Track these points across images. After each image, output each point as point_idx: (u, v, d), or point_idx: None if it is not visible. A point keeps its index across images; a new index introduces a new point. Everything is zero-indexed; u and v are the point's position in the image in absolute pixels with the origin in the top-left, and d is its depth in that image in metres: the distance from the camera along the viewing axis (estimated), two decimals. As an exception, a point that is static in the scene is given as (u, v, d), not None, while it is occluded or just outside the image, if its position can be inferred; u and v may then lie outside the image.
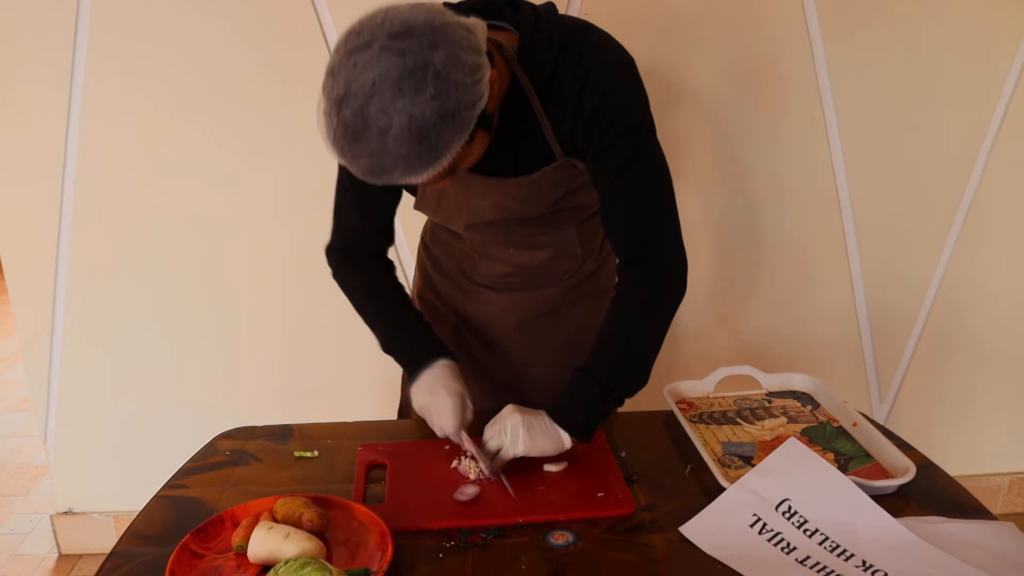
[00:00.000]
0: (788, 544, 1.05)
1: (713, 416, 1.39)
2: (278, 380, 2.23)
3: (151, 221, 2.09)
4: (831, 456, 1.25)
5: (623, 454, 1.29)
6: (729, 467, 1.23)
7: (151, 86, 1.98)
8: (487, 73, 0.99)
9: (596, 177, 1.20)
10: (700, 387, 1.47)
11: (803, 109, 2.08)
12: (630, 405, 1.41)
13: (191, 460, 1.31)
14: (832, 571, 1.00)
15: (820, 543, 1.05)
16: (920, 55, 2.05)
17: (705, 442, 1.30)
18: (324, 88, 0.96)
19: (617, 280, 1.25)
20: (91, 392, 2.22)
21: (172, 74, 1.97)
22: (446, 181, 1.10)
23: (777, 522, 1.08)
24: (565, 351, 1.42)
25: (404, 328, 1.34)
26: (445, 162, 0.98)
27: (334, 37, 1.74)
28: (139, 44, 1.95)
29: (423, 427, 1.35)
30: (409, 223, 1.90)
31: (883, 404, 2.38)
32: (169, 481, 1.25)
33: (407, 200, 1.35)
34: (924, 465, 1.22)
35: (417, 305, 1.54)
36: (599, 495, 1.17)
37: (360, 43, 0.93)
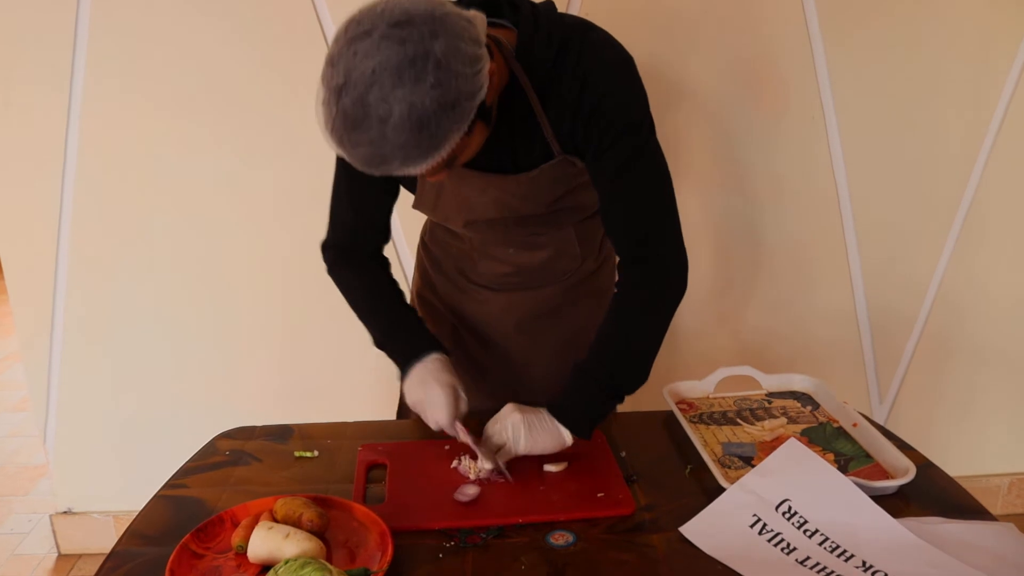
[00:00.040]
0: (788, 544, 1.05)
1: (713, 416, 1.39)
2: (278, 380, 2.23)
3: (151, 221, 2.09)
4: (831, 457, 1.25)
5: (623, 454, 1.29)
6: (729, 467, 1.23)
7: (151, 86, 1.98)
8: (487, 65, 0.99)
9: (596, 177, 1.20)
10: (700, 387, 1.47)
11: (803, 109, 2.08)
12: (630, 405, 1.41)
13: (191, 460, 1.31)
14: (832, 572, 1.00)
15: (820, 543, 1.05)
16: (920, 55, 2.05)
17: (705, 442, 1.30)
18: (323, 77, 0.96)
19: (618, 279, 1.25)
20: (91, 392, 2.22)
21: (172, 74, 1.97)
22: (443, 174, 1.10)
23: (777, 523, 1.08)
24: (564, 351, 1.42)
25: (397, 324, 1.34)
26: (444, 153, 0.98)
27: (334, 37, 1.74)
28: (139, 44, 1.95)
29: (423, 427, 1.35)
30: (409, 222, 1.90)
31: (883, 405, 2.38)
32: (169, 481, 1.25)
33: (406, 199, 1.35)
34: (924, 466, 1.22)
35: (416, 305, 1.55)
36: (599, 495, 1.17)
37: (360, 32, 0.93)
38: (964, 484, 1.21)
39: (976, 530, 1.07)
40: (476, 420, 1.26)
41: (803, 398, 1.45)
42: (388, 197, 1.34)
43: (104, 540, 2.32)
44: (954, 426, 2.41)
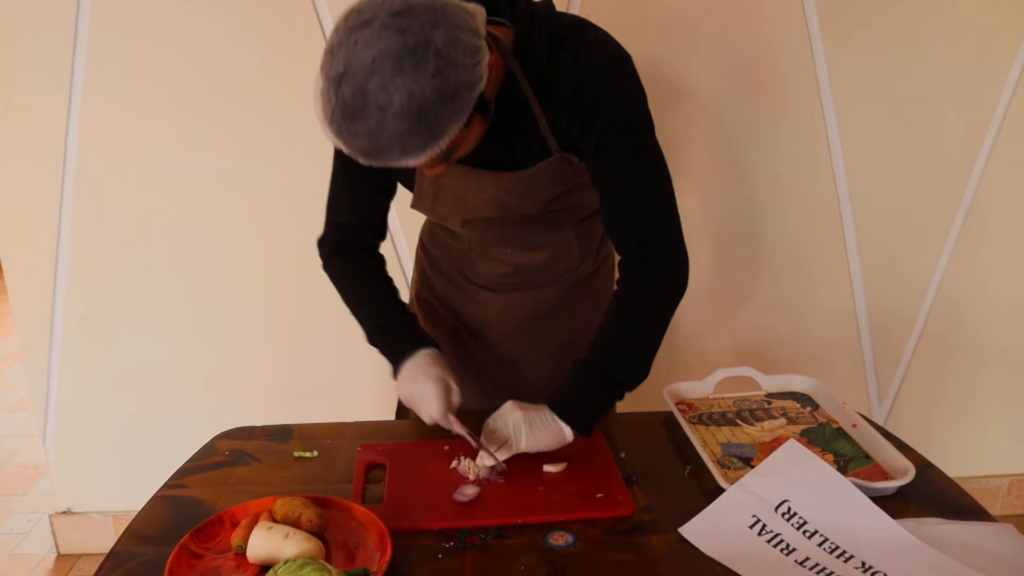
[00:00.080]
0: (787, 545, 1.05)
1: (712, 417, 1.39)
2: (278, 380, 2.23)
3: (151, 221, 2.09)
4: (830, 457, 1.25)
5: (623, 455, 1.29)
6: (728, 468, 1.23)
7: (151, 86, 1.98)
8: (486, 57, 0.99)
9: (596, 176, 1.20)
10: (700, 388, 1.46)
11: (803, 109, 2.08)
12: (629, 406, 1.41)
13: (190, 460, 1.31)
14: (832, 572, 1.00)
15: (819, 544, 1.05)
16: (920, 55, 2.05)
17: (704, 443, 1.30)
18: (322, 68, 0.96)
19: (618, 277, 1.26)
20: (90, 392, 2.22)
21: (172, 74, 1.97)
22: (441, 168, 1.10)
23: (776, 523, 1.08)
24: (564, 352, 1.42)
25: (388, 321, 1.35)
26: (443, 144, 0.98)
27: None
28: (139, 44, 1.95)
29: (422, 427, 1.35)
30: (409, 222, 1.90)
31: (882, 405, 2.38)
32: (168, 481, 1.25)
33: (405, 198, 1.34)
34: (923, 466, 1.22)
35: (416, 306, 1.55)
36: (598, 496, 1.17)
37: (360, 21, 0.94)
38: (963, 485, 1.21)
39: (975, 531, 1.07)
40: (476, 420, 1.26)
41: (802, 399, 1.45)
42: (385, 196, 1.34)
43: (103, 540, 2.32)
44: (954, 426, 2.41)
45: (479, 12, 1.01)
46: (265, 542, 1.01)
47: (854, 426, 1.33)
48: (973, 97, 2.10)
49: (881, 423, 2.32)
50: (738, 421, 1.37)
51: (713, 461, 1.23)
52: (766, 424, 1.36)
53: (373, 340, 1.35)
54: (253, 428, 1.40)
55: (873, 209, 2.17)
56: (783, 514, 1.09)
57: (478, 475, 1.21)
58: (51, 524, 2.36)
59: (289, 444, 1.35)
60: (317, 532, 1.05)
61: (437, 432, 1.31)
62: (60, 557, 2.38)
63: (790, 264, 2.21)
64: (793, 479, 1.13)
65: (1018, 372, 2.35)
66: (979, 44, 2.05)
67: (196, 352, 2.20)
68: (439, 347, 1.32)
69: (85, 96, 1.98)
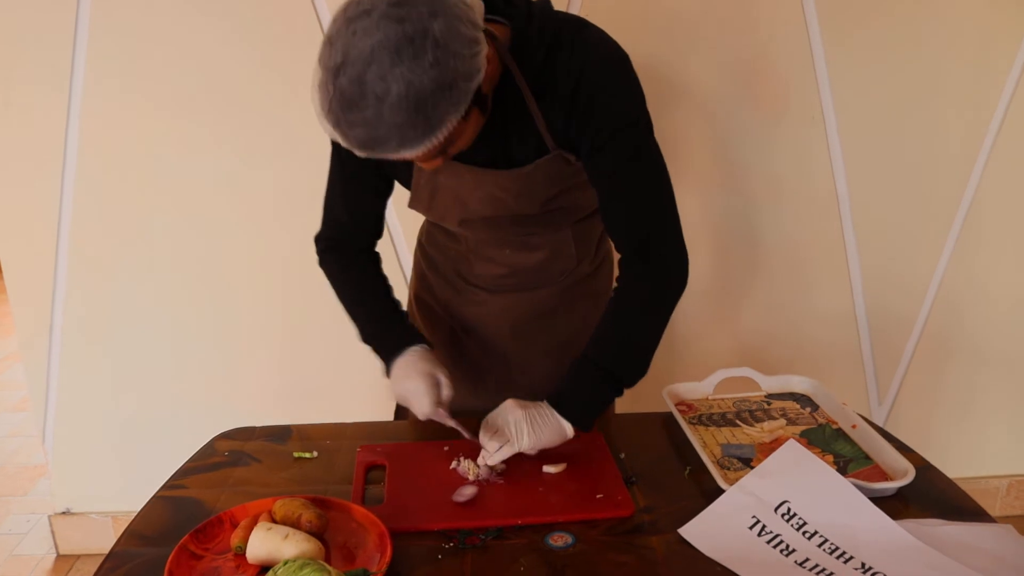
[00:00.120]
0: (787, 546, 1.05)
1: (712, 418, 1.39)
2: (278, 380, 2.23)
3: (151, 221, 2.09)
4: (830, 458, 1.25)
5: (622, 456, 1.29)
6: (728, 469, 1.23)
7: (151, 86, 1.98)
8: (484, 49, 0.99)
9: (594, 175, 1.21)
10: (699, 389, 1.46)
11: (803, 109, 2.08)
12: (629, 407, 1.41)
13: (190, 460, 1.31)
14: (831, 573, 1.00)
15: (819, 545, 1.05)
16: (920, 55, 2.05)
17: (704, 444, 1.30)
18: (320, 58, 0.96)
19: (618, 274, 1.26)
20: (90, 392, 2.22)
21: (172, 74, 1.97)
22: (438, 163, 1.10)
23: (776, 524, 1.08)
24: (562, 353, 1.42)
25: (380, 319, 1.36)
26: (440, 136, 0.98)
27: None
28: (139, 44, 1.95)
29: (421, 428, 1.35)
30: (409, 222, 1.90)
31: (882, 406, 2.38)
32: (168, 482, 1.25)
33: (405, 198, 1.34)
34: (923, 467, 1.22)
35: (414, 307, 1.55)
36: (598, 497, 1.16)
37: (359, 11, 0.94)
38: (963, 486, 1.21)
39: (975, 532, 1.07)
40: (476, 421, 1.26)
41: (802, 399, 1.45)
42: (381, 194, 1.35)
43: (103, 540, 2.32)
44: (953, 427, 2.41)
45: (477, 5, 1.01)
46: (265, 543, 1.01)
47: (854, 427, 1.33)
48: (973, 97, 2.10)
49: (881, 424, 2.32)
50: (738, 422, 1.37)
51: (713, 462, 1.23)
52: (766, 425, 1.36)
53: (366, 339, 1.36)
54: (253, 429, 1.40)
55: (873, 209, 2.17)
56: (783, 515, 1.09)
57: (478, 476, 1.21)
58: (50, 524, 2.36)
59: (289, 445, 1.35)
60: (317, 533, 1.05)
61: (437, 433, 1.31)
62: (59, 558, 2.38)
63: (790, 264, 2.21)
64: (793, 480, 1.13)
65: (1018, 373, 2.35)
66: (979, 44, 2.05)
67: (196, 352, 2.20)
68: (430, 344, 1.33)
69: (85, 96, 1.98)
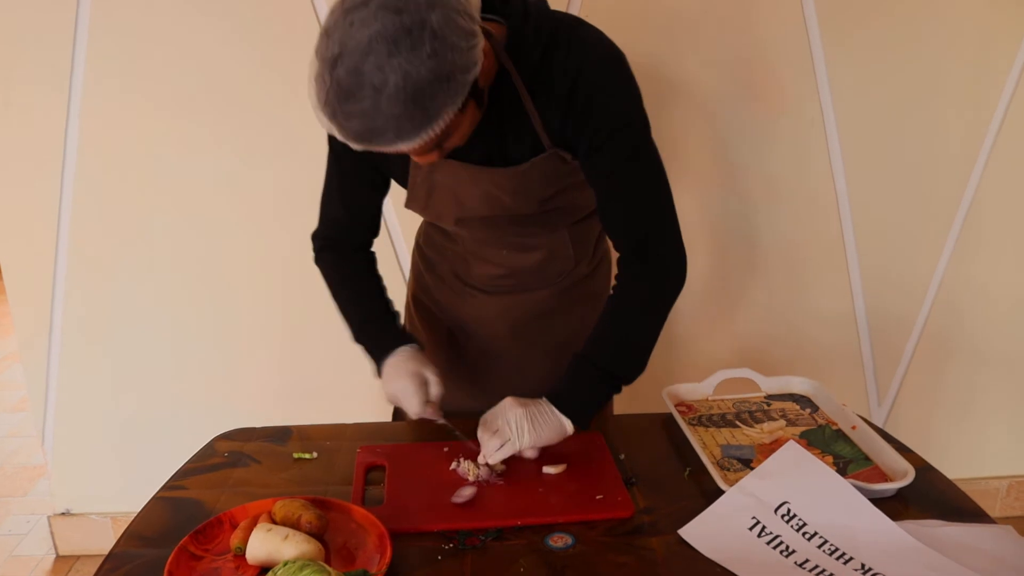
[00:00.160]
0: (787, 547, 1.05)
1: (712, 419, 1.39)
2: (278, 380, 2.23)
3: (151, 221, 2.09)
4: (830, 459, 1.25)
5: (622, 456, 1.29)
6: (728, 470, 1.23)
7: (151, 86, 1.98)
8: (481, 42, 0.99)
9: (592, 175, 1.21)
10: (699, 390, 1.46)
11: (802, 110, 2.08)
12: (629, 407, 1.41)
13: (190, 461, 1.31)
14: (831, 574, 1.00)
15: (819, 546, 1.05)
16: (920, 55, 2.05)
17: (704, 445, 1.30)
18: (317, 50, 0.96)
19: (617, 273, 1.26)
20: (90, 392, 2.22)
21: (172, 74, 1.97)
22: (434, 157, 1.09)
23: (776, 525, 1.08)
24: (560, 353, 1.42)
25: (372, 321, 1.36)
26: (437, 128, 0.98)
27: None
28: (139, 44, 1.95)
29: (421, 429, 1.35)
30: (408, 222, 1.90)
31: (882, 407, 2.38)
32: (168, 482, 1.25)
33: (403, 198, 1.34)
34: (923, 468, 1.22)
35: (412, 308, 1.55)
36: (598, 497, 1.16)
37: (357, 2, 0.94)
38: (963, 486, 1.21)
39: (975, 533, 1.07)
40: (474, 422, 1.26)
41: (802, 400, 1.45)
42: (378, 192, 1.35)
43: (102, 541, 2.32)
44: (953, 428, 2.41)
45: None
46: (264, 544, 1.01)
47: (853, 428, 1.33)
48: (973, 97, 2.10)
49: (880, 425, 2.32)
50: (737, 423, 1.37)
51: (713, 463, 1.23)
52: (766, 426, 1.36)
53: (358, 339, 1.37)
54: (252, 429, 1.40)
55: (872, 209, 2.17)
56: (783, 516, 1.09)
57: (478, 477, 1.21)
58: (50, 525, 2.36)
59: (288, 445, 1.34)
60: (316, 534, 1.05)
61: (436, 434, 1.31)
62: (59, 558, 2.38)
63: (789, 265, 2.21)
64: (793, 481, 1.13)
65: (1018, 373, 2.35)
66: (979, 44, 2.05)
67: (196, 352, 2.20)
68: (421, 344, 1.34)
69: (85, 96, 1.98)
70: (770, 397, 1.46)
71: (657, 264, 1.23)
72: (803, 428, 1.35)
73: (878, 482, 1.17)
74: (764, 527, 1.08)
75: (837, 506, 1.09)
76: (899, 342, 2.31)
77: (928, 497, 1.17)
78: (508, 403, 1.22)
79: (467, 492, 1.17)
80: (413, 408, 1.27)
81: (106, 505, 2.33)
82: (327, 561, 1.03)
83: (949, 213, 2.20)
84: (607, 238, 1.48)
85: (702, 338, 2.25)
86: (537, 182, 1.23)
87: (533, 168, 1.21)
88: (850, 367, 2.32)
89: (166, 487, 1.23)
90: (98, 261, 2.11)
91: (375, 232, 1.41)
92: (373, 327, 1.36)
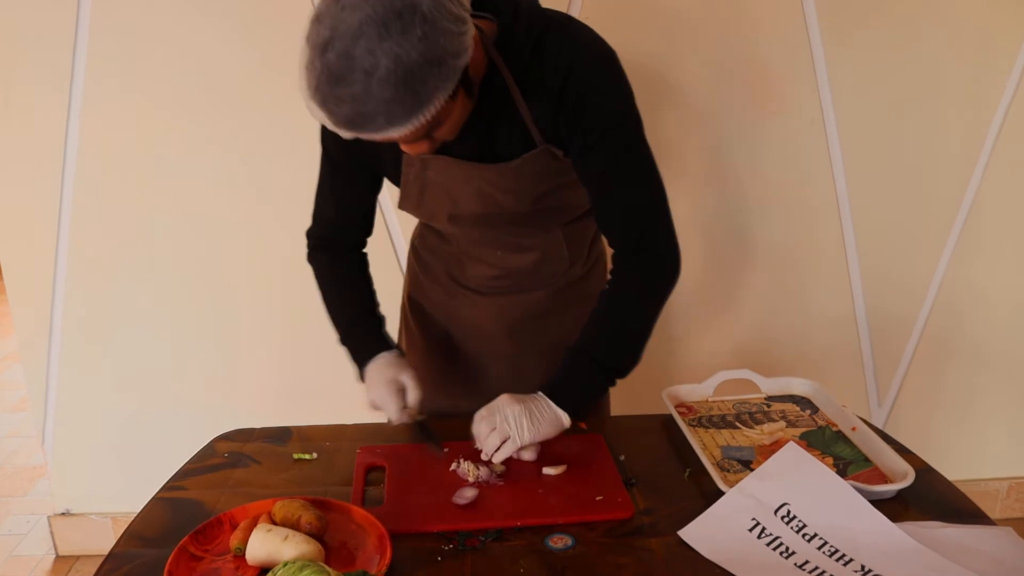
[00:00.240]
0: (787, 548, 1.05)
1: (712, 420, 1.38)
2: (278, 380, 2.23)
3: (151, 221, 2.09)
4: (830, 460, 1.25)
5: (622, 458, 1.29)
6: (728, 471, 1.23)
7: (151, 86, 1.98)
8: (471, 29, 0.99)
9: (585, 173, 1.21)
10: (699, 391, 1.46)
11: (802, 110, 2.08)
12: (629, 408, 1.41)
13: (190, 462, 1.31)
14: (831, 575, 1.00)
15: (819, 548, 1.05)
16: (920, 55, 2.04)
17: (704, 446, 1.30)
18: (308, 37, 0.96)
19: (612, 267, 1.27)
20: (90, 392, 2.22)
21: (172, 74, 1.97)
22: (425, 147, 1.09)
23: (776, 526, 1.08)
24: (555, 354, 1.42)
25: (357, 325, 1.38)
26: (428, 114, 0.97)
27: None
28: (139, 44, 1.95)
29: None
30: (407, 223, 1.90)
31: (882, 408, 2.38)
32: (167, 483, 1.25)
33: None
34: (923, 470, 1.22)
35: (408, 310, 1.55)
36: (598, 498, 1.16)
37: None
38: (962, 488, 1.21)
39: (975, 534, 1.07)
40: (468, 422, 1.25)
41: (802, 402, 1.45)
42: (370, 191, 1.36)
43: (102, 541, 2.32)
44: (953, 429, 2.40)
45: None
46: (264, 544, 1.01)
47: (853, 429, 1.33)
48: (973, 97, 2.10)
49: (880, 426, 2.32)
50: (737, 424, 1.37)
51: (712, 464, 1.23)
52: (765, 427, 1.36)
53: (343, 342, 1.38)
54: (252, 430, 1.40)
55: (872, 210, 2.17)
56: (783, 517, 1.09)
57: (478, 477, 1.21)
58: (50, 525, 2.36)
59: (288, 446, 1.34)
60: (316, 534, 1.05)
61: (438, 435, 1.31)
62: (59, 558, 2.38)
63: (789, 266, 2.21)
64: (793, 482, 1.13)
65: (1018, 375, 2.35)
66: (979, 44, 2.05)
67: (196, 352, 2.20)
68: (401, 350, 1.36)
69: (85, 96, 1.98)
70: (770, 398, 1.46)
71: (652, 258, 1.24)
72: (803, 429, 1.35)
73: (878, 483, 1.17)
74: (764, 528, 1.08)
75: (837, 507, 1.09)
76: (899, 343, 2.31)
77: (928, 498, 1.17)
78: (504, 400, 1.22)
79: (469, 493, 1.17)
80: (391, 415, 1.28)
81: (106, 505, 2.33)
82: (327, 562, 1.03)
83: (949, 214, 2.20)
84: (602, 240, 1.49)
85: (702, 339, 2.25)
86: (529, 179, 1.23)
87: (525, 164, 1.20)
88: (850, 368, 2.32)
89: (166, 487, 1.23)
90: (98, 261, 2.11)
91: (368, 232, 1.41)
92: (359, 332, 1.37)
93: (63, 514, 2.35)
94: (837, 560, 1.02)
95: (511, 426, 1.19)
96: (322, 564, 0.94)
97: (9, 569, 2.34)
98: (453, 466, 1.24)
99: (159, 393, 2.23)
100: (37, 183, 2.04)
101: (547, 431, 1.21)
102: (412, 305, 1.54)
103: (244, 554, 1.02)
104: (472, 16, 1.10)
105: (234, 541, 1.04)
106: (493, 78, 1.14)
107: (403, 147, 1.11)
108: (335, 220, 1.38)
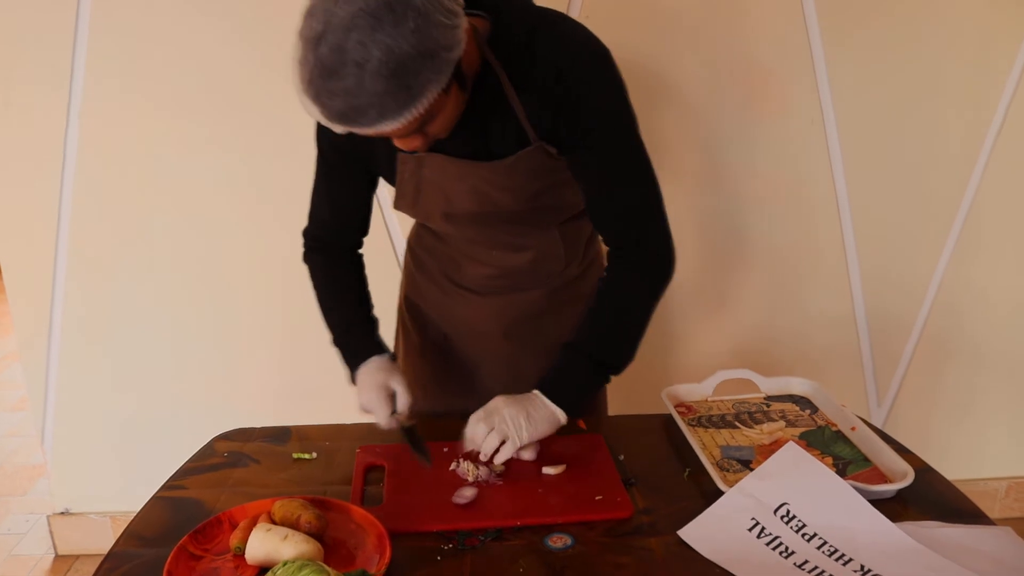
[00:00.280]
0: (786, 548, 1.05)
1: (712, 420, 1.39)
2: (278, 380, 2.23)
3: (151, 221, 2.09)
4: (829, 460, 1.25)
5: (621, 457, 1.29)
6: (728, 471, 1.23)
7: (151, 86, 1.98)
8: (464, 22, 0.99)
9: (580, 171, 1.21)
10: (699, 391, 1.46)
11: (802, 110, 2.08)
12: (628, 408, 1.41)
13: (189, 461, 1.31)
14: (830, 575, 1.00)
15: (818, 547, 1.05)
16: (920, 55, 2.04)
17: (704, 446, 1.30)
18: (300, 32, 0.96)
19: (607, 264, 1.27)
20: (89, 392, 2.22)
21: (172, 74, 1.97)
22: (418, 142, 1.09)
23: (775, 526, 1.08)
24: (551, 354, 1.42)
25: (350, 328, 1.37)
26: (420, 108, 0.97)
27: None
28: (139, 44, 1.95)
29: (419, 430, 1.35)
30: (407, 222, 1.90)
31: (881, 407, 2.38)
32: (167, 482, 1.25)
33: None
34: (922, 470, 1.22)
35: (404, 310, 1.55)
36: (597, 498, 1.16)
37: None
38: (962, 488, 1.21)
39: (974, 534, 1.07)
40: (463, 423, 1.25)
41: (801, 401, 1.45)
42: (366, 191, 1.35)
43: (102, 541, 2.31)
44: (952, 429, 2.40)
45: None
46: (264, 543, 1.01)
47: (853, 429, 1.33)
48: (973, 98, 2.10)
49: (880, 425, 2.32)
50: (737, 424, 1.37)
51: (712, 464, 1.23)
52: (765, 427, 1.36)
53: (336, 343, 1.38)
54: (252, 430, 1.40)
55: (872, 210, 2.17)
56: (782, 517, 1.09)
57: (477, 477, 1.21)
58: (49, 525, 2.36)
59: (288, 446, 1.35)
60: (316, 534, 1.05)
61: (435, 434, 1.31)
62: (58, 558, 2.38)
63: (789, 265, 2.21)
64: (792, 482, 1.13)
65: (1017, 375, 2.35)
66: (979, 44, 2.05)
67: (196, 352, 2.20)
68: (393, 355, 1.35)
69: (85, 96, 1.98)
70: (770, 398, 1.46)
71: (646, 254, 1.24)
72: (803, 429, 1.35)
73: (877, 483, 1.17)
74: (763, 528, 1.08)
75: (836, 507, 1.09)
76: (899, 343, 2.31)
77: (927, 498, 1.17)
78: (500, 401, 1.22)
79: (468, 493, 1.17)
80: (380, 420, 1.28)
81: (105, 505, 2.33)
82: (326, 561, 1.03)
83: (949, 214, 2.20)
84: (598, 239, 1.49)
85: (701, 339, 2.25)
86: (524, 176, 1.22)
87: (519, 162, 1.20)
88: (850, 368, 2.32)
89: (166, 487, 1.23)
90: (98, 261, 2.11)
91: (364, 232, 1.41)
92: (350, 335, 1.37)
93: (62, 513, 2.35)
94: (836, 560, 1.02)
95: (508, 427, 1.19)
96: (321, 563, 0.94)
97: (8, 568, 2.34)
98: (452, 466, 1.24)
99: (159, 393, 2.23)
100: (37, 183, 2.04)
101: (544, 429, 1.21)
102: (409, 305, 1.54)
103: (243, 553, 1.02)
104: (466, 14, 1.10)
105: (233, 540, 1.04)
106: (486, 76, 1.14)
107: (397, 143, 1.11)
108: (330, 221, 1.38)
